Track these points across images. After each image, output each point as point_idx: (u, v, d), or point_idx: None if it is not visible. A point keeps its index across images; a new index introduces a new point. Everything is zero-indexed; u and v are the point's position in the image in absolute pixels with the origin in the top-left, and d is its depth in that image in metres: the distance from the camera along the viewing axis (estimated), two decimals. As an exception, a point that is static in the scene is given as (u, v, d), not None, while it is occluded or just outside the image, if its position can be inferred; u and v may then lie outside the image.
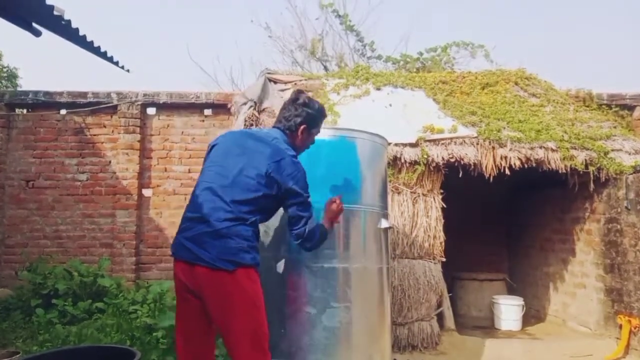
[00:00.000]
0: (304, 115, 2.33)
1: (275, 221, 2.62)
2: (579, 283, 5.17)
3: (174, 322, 2.22)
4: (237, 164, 2.15)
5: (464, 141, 4.52)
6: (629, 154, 4.69)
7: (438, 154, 4.39)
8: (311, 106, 2.36)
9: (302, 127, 2.33)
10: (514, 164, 4.46)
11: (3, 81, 9.48)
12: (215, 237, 2.02)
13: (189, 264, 2.04)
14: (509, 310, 5.46)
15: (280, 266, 2.63)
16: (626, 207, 4.38)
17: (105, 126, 6.02)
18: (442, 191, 4.54)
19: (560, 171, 4.55)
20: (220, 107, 6.01)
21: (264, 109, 4.90)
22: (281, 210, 2.34)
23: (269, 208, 2.22)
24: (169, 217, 5.92)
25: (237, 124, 4.80)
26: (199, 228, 2.05)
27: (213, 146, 2.31)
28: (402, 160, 4.34)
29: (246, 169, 2.13)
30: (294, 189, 2.15)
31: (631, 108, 5.90)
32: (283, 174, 2.14)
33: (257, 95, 4.95)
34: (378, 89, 5.39)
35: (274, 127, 2.40)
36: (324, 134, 2.76)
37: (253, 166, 2.14)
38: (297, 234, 2.24)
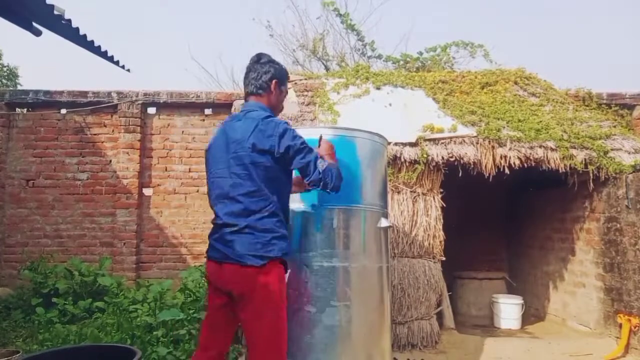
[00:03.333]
0: (272, 71, 2.27)
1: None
2: (578, 282, 5.18)
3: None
4: (228, 158, 2.13)
5: (464, 140, 4.53)
6: (629, 153, 4.70)
7: (438, 153, 4.40)
8: (276, 62, 2.33)
9: (274, 81, 2.26)
10: (514, 163, 4.47)
11: (3, 80, 9.49)
12: (239, 234, 2.06)
13: (218, 262, 2.12)
14: (508, 309, 5.48)
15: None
16: (626, 206, 4.39)
17: (105, 125, 6.03)
18: (441, 190, 4.55)
19: (560, 170, 4.56)
20: (221, 107, 6.02)
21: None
22: None
23: (278, 184, 2.14)
24: (169, 216, 5.93)
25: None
26: (224, 230, 2.11)
27: (207, 150, 2.31)
28: (402, 160, 4.35)
29: (237, 157, 2.10)
30: (284, 144, 2.07)
31: (631, 107, 5.89)
32: (265, 136, 2.07)
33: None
34: (378, 88, 5.39)
35: (246, 96, 2.32)
36: (324, 133, 2.76)
37: (241, 149, 2.10)
38: (313, 180, 2.14)
